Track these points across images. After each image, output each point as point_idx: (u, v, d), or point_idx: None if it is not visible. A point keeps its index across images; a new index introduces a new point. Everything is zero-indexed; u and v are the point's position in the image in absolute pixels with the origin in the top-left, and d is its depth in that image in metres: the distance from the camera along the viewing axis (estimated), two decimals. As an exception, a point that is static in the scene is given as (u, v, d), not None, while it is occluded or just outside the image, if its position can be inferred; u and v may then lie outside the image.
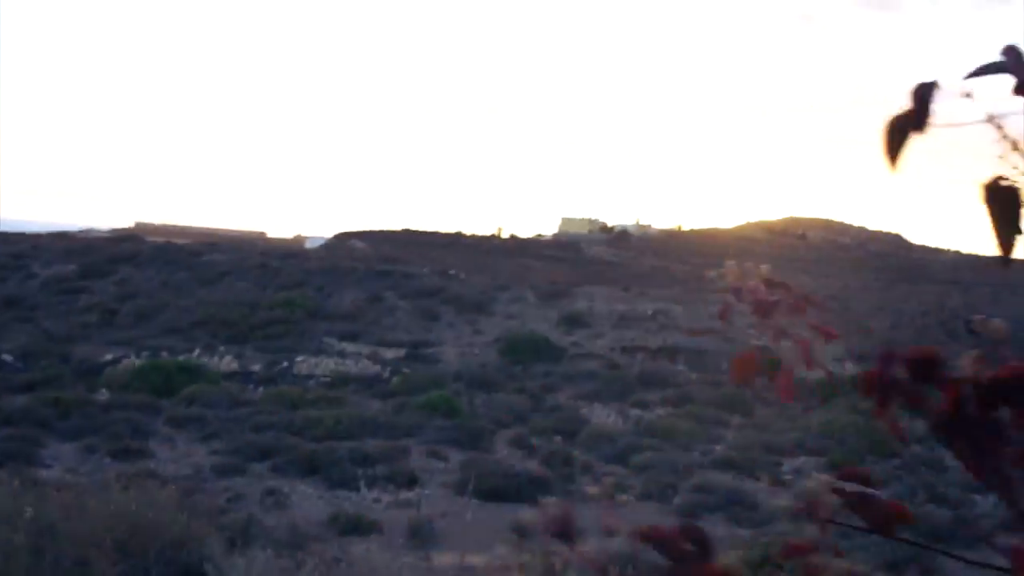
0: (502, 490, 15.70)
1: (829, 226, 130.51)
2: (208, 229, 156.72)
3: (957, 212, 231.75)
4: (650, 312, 43.60)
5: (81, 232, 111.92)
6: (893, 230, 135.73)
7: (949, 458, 18.68)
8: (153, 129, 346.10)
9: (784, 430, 23.70)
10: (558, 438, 20.61)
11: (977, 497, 18.49)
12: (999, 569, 1.44)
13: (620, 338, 39.01)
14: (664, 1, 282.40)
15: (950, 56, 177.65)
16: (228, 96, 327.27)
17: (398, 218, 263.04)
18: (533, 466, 17.88)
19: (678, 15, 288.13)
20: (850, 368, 38.78)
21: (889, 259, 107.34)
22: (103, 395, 21.62)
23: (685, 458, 19.63)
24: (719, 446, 21.51)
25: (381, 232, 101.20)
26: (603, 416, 24.21)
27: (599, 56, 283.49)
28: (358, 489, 15.62)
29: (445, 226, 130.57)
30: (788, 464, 20.33)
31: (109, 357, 27.01)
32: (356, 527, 13.50)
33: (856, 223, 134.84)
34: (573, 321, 42.44)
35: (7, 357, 26.84)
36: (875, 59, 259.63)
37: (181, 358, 26.50)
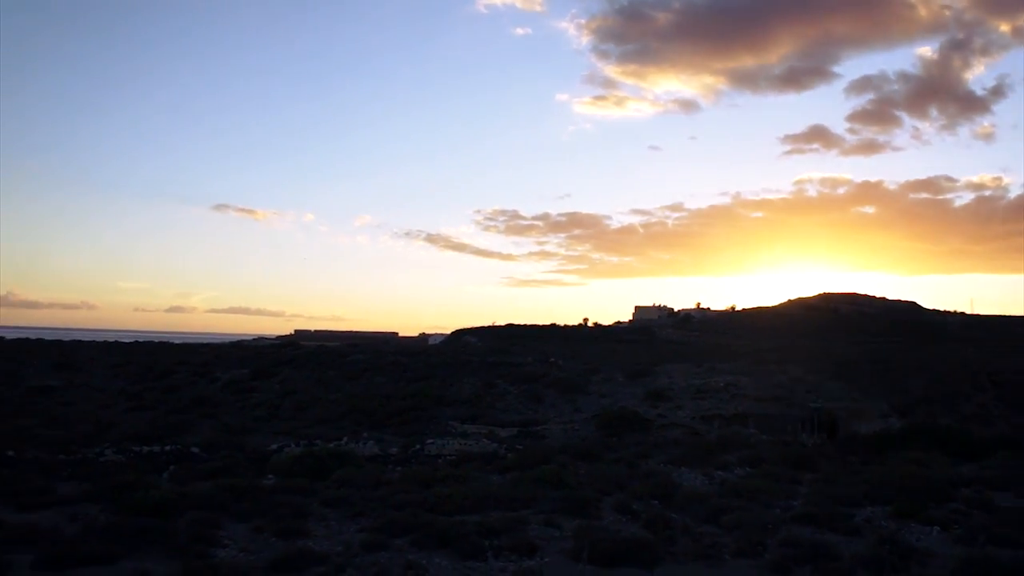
0: (612, 554, 14.41)
1: (855, 300, 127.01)
2: (351, 332, 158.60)
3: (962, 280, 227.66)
4: (722, 384, 42.10)
5: (253, 341, 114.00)
6: (909, 298, 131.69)
7: (998, 499, 16.79)
8: (302, 254, 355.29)
9: (850, 483, 21.92)
10: (655, 502, 19.19)
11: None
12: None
13: (698, 408, 37.49)
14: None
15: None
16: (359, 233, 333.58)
17: (502, 314, 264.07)
18: (637, 529, 16.52)
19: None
20: (895, 423, 36.75)
21: (908, 324, 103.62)
22: (270, 480, 20.86)
23: (768, 515, 18.07)
24: (796, 501, 19.85)
25: (489, 328, 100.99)
26: (691, 479, 22.70)
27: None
28: (485, 559, 14.44)
29: (540, 319, 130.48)
30: (859, 514, 18.61)
31: (274, 446, 26.38)
32: (487, 597, 12.36)
33: (878, 295, 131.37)
34: (657, 395, 41.06)
35: (195, 449, 26.41)
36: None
37: (332, 445, 25.74)
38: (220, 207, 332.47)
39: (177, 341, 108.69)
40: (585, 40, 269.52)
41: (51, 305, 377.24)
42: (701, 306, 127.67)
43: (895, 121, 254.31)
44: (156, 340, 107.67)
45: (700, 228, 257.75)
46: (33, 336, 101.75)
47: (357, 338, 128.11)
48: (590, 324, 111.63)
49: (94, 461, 23.28)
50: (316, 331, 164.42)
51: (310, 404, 42.62)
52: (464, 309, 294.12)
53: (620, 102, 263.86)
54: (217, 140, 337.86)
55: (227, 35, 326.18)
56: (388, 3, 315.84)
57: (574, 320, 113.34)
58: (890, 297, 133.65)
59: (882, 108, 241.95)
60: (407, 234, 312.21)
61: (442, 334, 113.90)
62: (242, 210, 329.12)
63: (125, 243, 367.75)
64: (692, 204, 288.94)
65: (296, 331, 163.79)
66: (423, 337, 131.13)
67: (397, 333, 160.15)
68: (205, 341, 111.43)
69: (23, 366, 64.21)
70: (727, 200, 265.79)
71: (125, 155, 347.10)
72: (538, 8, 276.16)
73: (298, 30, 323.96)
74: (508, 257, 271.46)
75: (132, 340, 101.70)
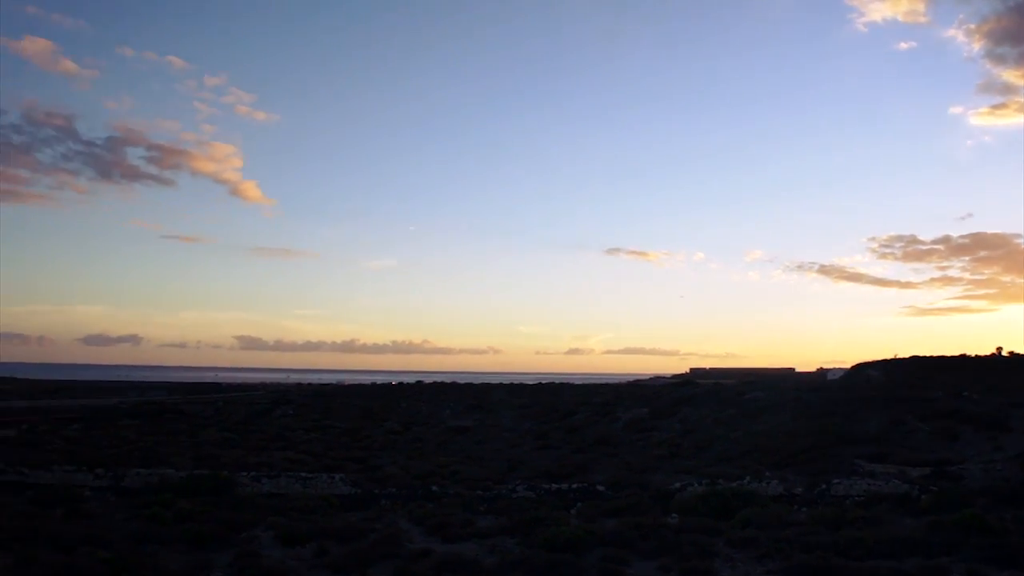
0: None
1: None
2: (747, 369, 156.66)
3: None
4: None
5: (650, 380, 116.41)
6: None
7: None
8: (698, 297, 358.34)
9: None
10: (1103, 555, 17.06)
11: None
12: None
13: None
14: None
15: None
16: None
17: (904, 346, 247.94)
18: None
19: None
20: None
21: None
22: (673, 519, 21.23)
23: None
24: None
25: (892, 361, 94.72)
26: None
27: None
28: (905, 608, 13.76)
29: (947, 349, 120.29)
30: None
31: (677, 485, 26.72)
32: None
33: None
34: (1095, 433, 36.37)
35: (600, 486, 27.48)
36: None
37: (734, 484, 25.61)
38: (612, 251, 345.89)
39: (577, 381, 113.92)
40: (977, 46, 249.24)
41: (461, 351, 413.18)
42: None
43: None
44: (557, 381, 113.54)
45: None
46: (448, 380, 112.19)
47: (753, 375, 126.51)
48: (1005, 353, 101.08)
49: (508, 497, 25.09)
50: (711, 368, 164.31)
51: (710, 443, 42.66)
52: (862, 341, 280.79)
53: (1023, 108, 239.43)
54: (607, 187, 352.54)
55: (593, 85, 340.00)
56: (767, 35, 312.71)
57: (986, 349, 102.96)
58: None
59: None
60: (799, 267, 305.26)
61: (841, 368, 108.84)
62: (634, 252, 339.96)
63: (526, 290, 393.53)
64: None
65: (692, 369, 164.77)
66: (821, 372, 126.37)
67: (794, 368, 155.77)
68: (603, 381, 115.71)
69: (441, 408, 71.34)
70: None
71: (522, 206, 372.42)
72: (922, 19, 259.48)
73: (673, 77, 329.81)
74: (907, 285, 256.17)
75: (535, 382, 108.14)
